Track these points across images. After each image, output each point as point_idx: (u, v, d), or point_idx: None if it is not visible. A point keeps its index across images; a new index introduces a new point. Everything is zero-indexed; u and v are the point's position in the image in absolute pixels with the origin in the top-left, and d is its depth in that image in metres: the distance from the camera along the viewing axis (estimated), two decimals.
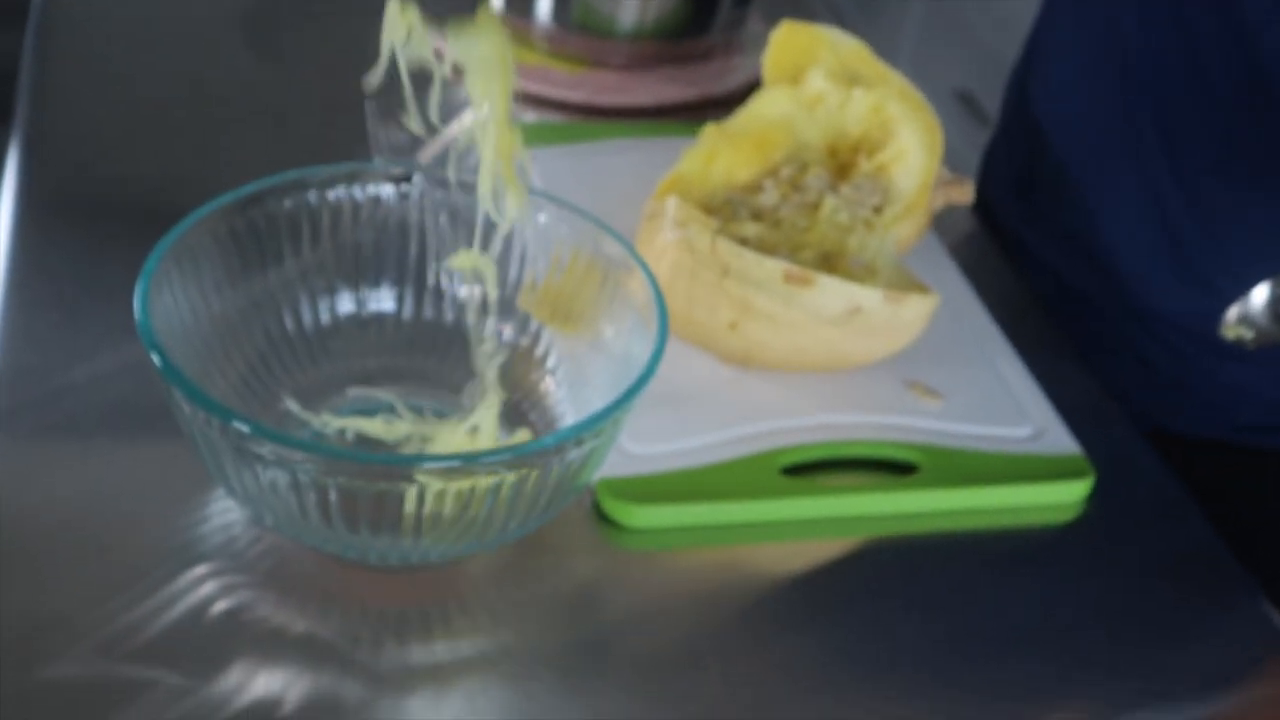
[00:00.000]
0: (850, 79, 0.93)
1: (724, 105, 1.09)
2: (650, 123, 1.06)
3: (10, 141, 0.97)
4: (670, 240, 0.78)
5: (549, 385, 0.76)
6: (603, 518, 0.74)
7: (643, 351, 0.70)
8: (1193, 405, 1.01)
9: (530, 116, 1.05)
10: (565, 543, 0.73)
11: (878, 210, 0.86)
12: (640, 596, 0.72)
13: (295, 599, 0.68)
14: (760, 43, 1.14)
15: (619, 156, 0.98)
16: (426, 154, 0.98)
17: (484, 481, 0.61)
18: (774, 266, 0.76)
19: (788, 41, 0.95)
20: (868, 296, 0.76)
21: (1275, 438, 1.00)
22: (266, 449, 0.60)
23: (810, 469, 0.78)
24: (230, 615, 0.67)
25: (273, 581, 0.69)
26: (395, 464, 0.61)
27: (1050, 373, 0.87)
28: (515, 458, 0.61)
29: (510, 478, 0.62)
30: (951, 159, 0.92)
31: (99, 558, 0.69)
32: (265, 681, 0.65)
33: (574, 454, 0.64)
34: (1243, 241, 0.94)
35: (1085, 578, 0.77)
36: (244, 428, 0.60)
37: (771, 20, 1.13)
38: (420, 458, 0.67)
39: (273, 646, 0.66)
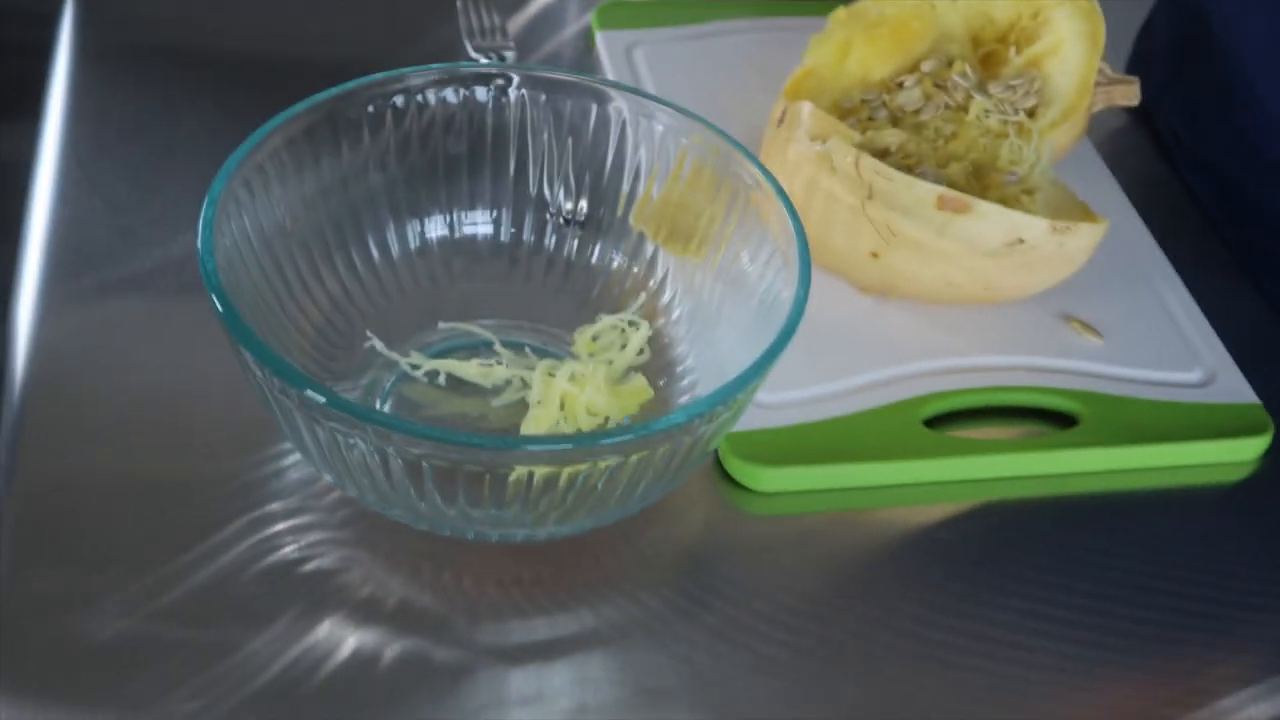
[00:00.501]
0: None
1: None
2: None
3: None
4: (806, 154, 0.68)
5: (665, 319, 0.68)
6: (726, 476, 0.65)
7: (777, 287, 0.61)
8: None
9: None
10: (683, 505, 0.65)
11: (1031, 113, 0.75)
12: (767, 566, 0.64)
13: (384, 563, 0.60)
14: None
15: (735, 40, 0.88)
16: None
17: (601, 463, 0.53)
18: (927, 190, 0.66)
19: None
20: (1031, 226, 0.66)
21: None
22: (348, 423, 0.52)
23: (955, 416, 0.69)
24: (314, 577, 0.60)
25: (362, 542, 0.61)
26: (497, 448, 0.52)
27: (1218, 300, 0.78)
28: (638, 439, 0.52)
29: (632, 459, 0.53)
30: None
31: (158, 506, 0.61)
32: (353, 647, 0.58)
33: (706, 429, 0.55)
34: None
35: (1256, 536, 0.68)
36: (319, 398, 0.51)
37: None
38: (527, 440, 0.58)
39: (361, 613, 0.59)
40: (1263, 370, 0.74)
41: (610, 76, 0.84)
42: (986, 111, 0.74)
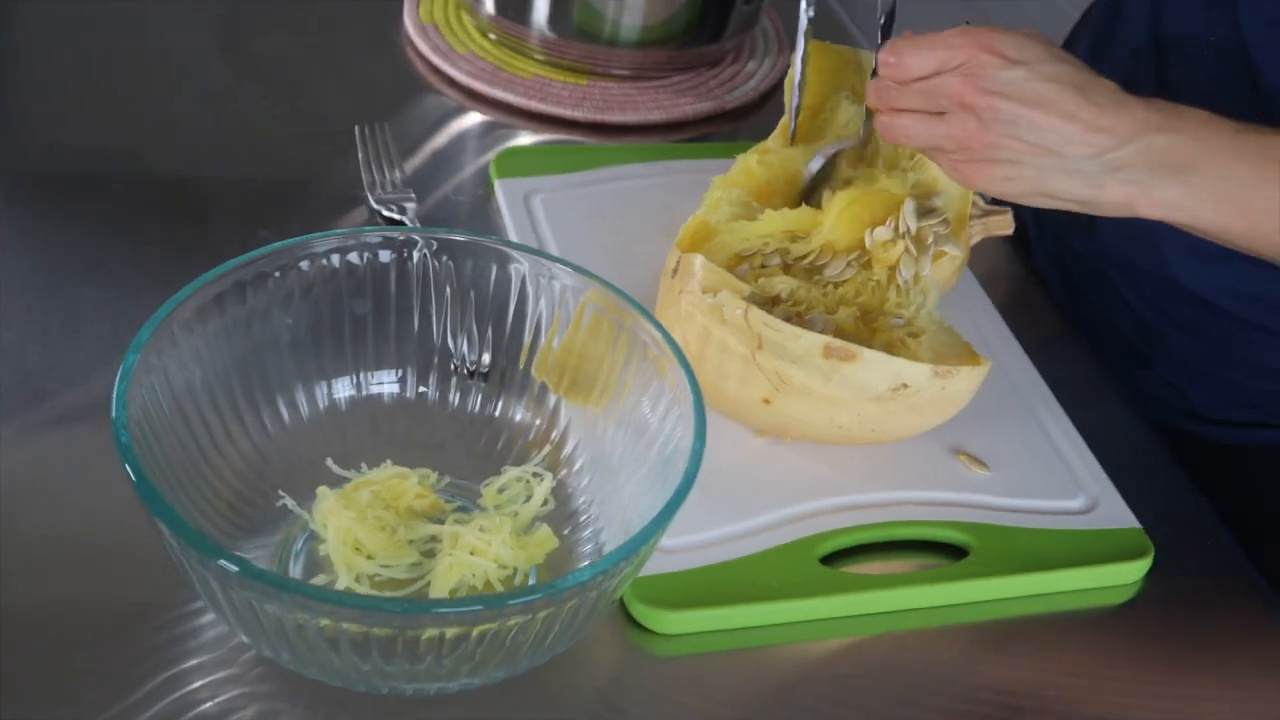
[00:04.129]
0: None
1: (737, 117, 1.02)
2: (661, 143, 0.98)
3: None
4: (698, 305, 0.71)
5: (568, 470, 0.70)
6: (631, 619, 0.68)
7: (676, 435, 0.63)
8: None
9: (528, 137, 0.98)
10: (591, 650, 0.66)
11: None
12: (673, 704, 0.66)
13: (302, 716, 0.62)
14: (772, 44, 1.07)
15: (629, 185, 0.91)
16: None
17: (510, 621, 0.55)
18: (813, 340, 0.69)
19: (818, 64, 0.88)
20: (915, 372, 0.70)
21: None
22: (262, 592, 0.53)
23: (851, 551, 0.72)
24: None
25: (280, 695, 0.62)
26: (409, 613, 0.54)
27: (1097, 424, 0.81)
28: (545, 598, 0.55)
29: (540, 615, 0.55)
30: None
31: (74, 666, 0.62)
32: None
33: (610, 583, 0.57)
34: None
35: (1143, 654, 0.72)
36: (232, 567, 0.53)
37: (784, 16, 1.06)
38: (437, 604, 0.59)
39: None
40: (1141, 488, 0.77)
41: (509, 224, 0.86)
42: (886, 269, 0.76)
